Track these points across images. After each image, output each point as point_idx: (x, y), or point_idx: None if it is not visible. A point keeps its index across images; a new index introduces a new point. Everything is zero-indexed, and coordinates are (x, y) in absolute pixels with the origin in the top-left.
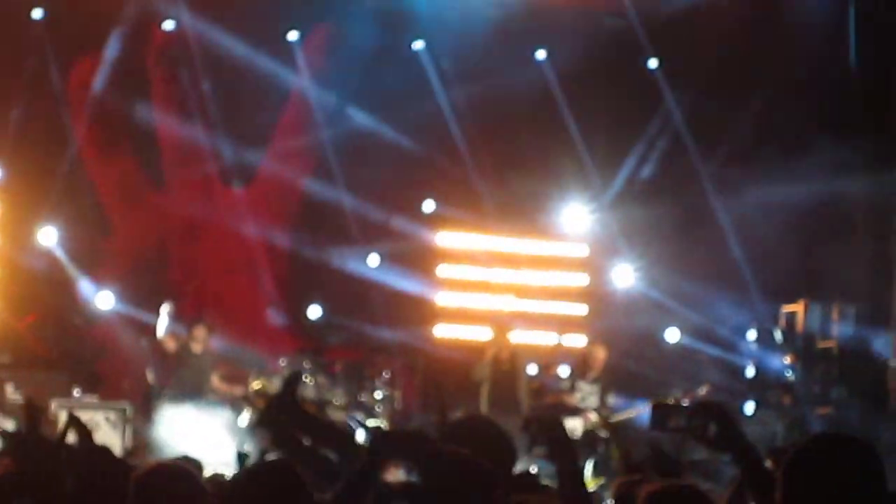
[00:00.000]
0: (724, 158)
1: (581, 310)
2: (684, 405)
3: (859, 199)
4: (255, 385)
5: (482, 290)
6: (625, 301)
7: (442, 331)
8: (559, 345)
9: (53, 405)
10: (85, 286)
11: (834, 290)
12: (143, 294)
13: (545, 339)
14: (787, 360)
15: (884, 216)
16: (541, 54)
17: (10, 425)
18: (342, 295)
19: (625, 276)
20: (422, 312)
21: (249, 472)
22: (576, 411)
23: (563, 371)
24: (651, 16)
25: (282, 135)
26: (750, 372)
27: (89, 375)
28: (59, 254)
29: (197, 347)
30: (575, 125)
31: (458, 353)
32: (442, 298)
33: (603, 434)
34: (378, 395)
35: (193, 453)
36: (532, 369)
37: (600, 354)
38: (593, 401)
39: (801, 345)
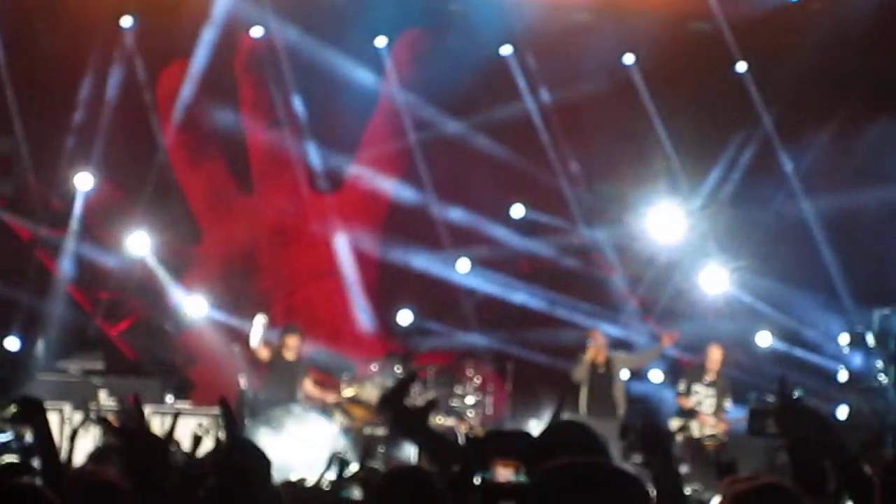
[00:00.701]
0: (813, 161)
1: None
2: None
3: None
4: (348, 392)
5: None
6: (716, 305)
7: (532, 335)
8: (654, 349)
9: (146, 411)
10: (176, 293)
11: None
12: (234, 300)
13: (637, 342)
14: (880, 363)
15: None
16: (628, 59)
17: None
18: (432, 300)
19: (717, 279)
20: (511, 317)
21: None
22: (692, 414)
23: (656, 376)
24: (739, 20)
25: (370, 140)
26: (842, 376)
27: (181, 382)
28: (151, 260)
29: (290, 355)
30: (663, 129)
31: (549, 357)
32: (531, 303)
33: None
34: (469, 400)
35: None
36: (625, 374)
37: (716, 355)
38: (709, 404)
39: (894, 348)
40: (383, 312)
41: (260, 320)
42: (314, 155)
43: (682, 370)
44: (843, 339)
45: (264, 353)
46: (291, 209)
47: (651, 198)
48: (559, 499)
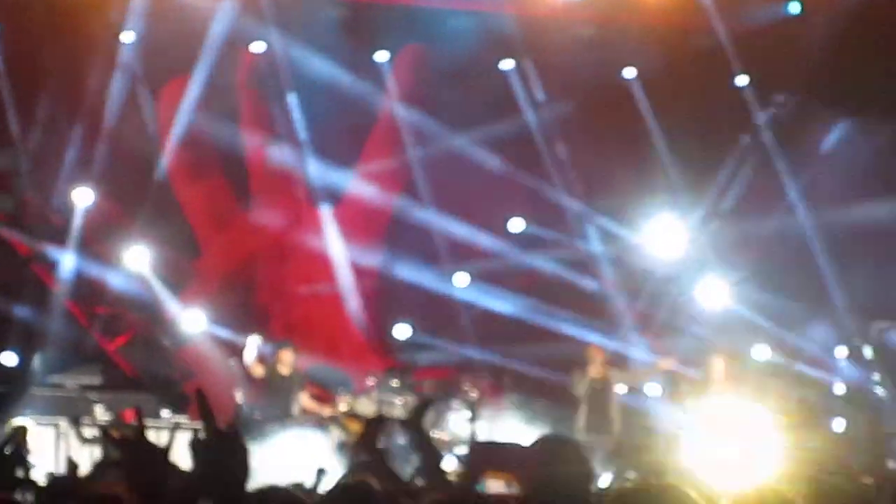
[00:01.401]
0: (813, 175)
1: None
2: None
3: None
4: (344, 406)
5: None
6: (713, 319)
7: (529, 349)
8: (650, 369)
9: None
10: (174, 308)
11: None
12: (232, 315)
13: (635, 357)
14: (877, 376)
15: None
16: (629, 73)
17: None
18: (430, 314)
19: (715, 293)
20: (509, 331)
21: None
22: None
23: (654, 390)
24: (739, 34)
25: (370, 155)
26: (839, 389)
27: (178, 397)
28: (149, 275)
29: (285, 370)
30: (663, 143)
31: (546, 371)
32: (529, 317)
33: None
34: (466, 414)
35: (282, 474)
36: (621, 389)
37: (719, 366)
38: None
39: (892, 362)
40: (381, 326)
41: (254, 340)
42: (314, 170)
43: (685, 387)
44: (841, 352)
45: (259, 371)
46: (290, 224)
47: (650, 211)
48: None
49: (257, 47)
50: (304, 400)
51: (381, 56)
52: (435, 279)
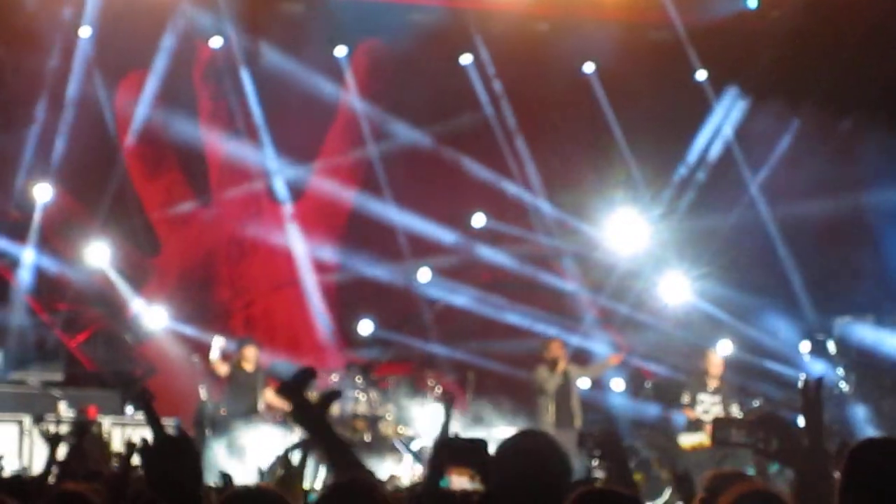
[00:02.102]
0: (773, 169)
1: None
2: (746, 420)
3: None
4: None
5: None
6: (675, 313)
7: (492, 345)
8: (604, 363)
9: (105, 423)
10: (136, 304)
11: (889, 300)
12: (194, 311)
13: (597, 352)
14: (841, 371)
15: None
16: (588, 68)
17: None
18: (392, 310)
19: (677, 288)
20: (472, 327)
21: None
22: (699, 425)
23: (617, 385)
24: (697, 28)
25: (329, 150)
26: (802, 384)
27: (141, 393)
28: (110, 271)
29: (248, 366)
30: (623, 138)
31: (509, 367)
32: (492, 313)
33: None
34: (429, 410)
35: (246, 470)
36: (585, 384)
37: (717, 360)
38: (716, 412)
39: (855, 356)
40: (343, 323)
41: (218, 342)
42: (273, 165)
43: (686, 381)
44: (804, 347)
45: (223, 369)
46: (250, 219)
47: (611, 206)
48: None
49: (215, 42)
50: (268, 396)
51: (340, 51)
52: (397, 274)
